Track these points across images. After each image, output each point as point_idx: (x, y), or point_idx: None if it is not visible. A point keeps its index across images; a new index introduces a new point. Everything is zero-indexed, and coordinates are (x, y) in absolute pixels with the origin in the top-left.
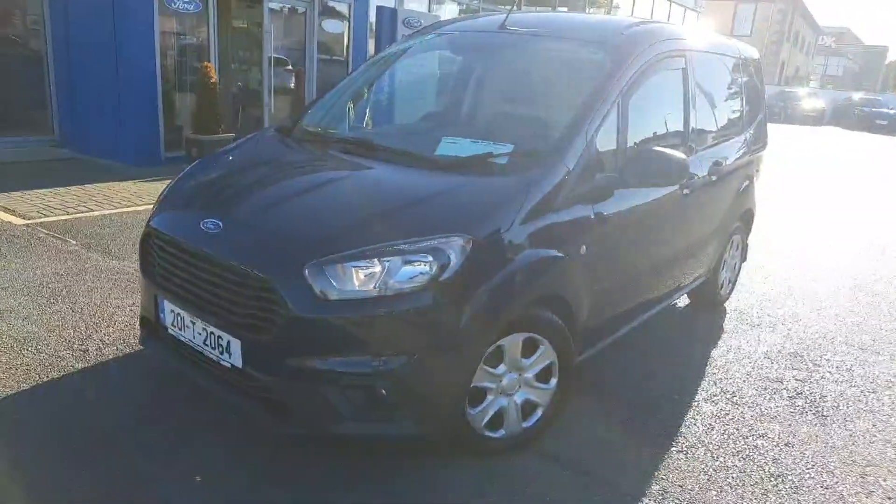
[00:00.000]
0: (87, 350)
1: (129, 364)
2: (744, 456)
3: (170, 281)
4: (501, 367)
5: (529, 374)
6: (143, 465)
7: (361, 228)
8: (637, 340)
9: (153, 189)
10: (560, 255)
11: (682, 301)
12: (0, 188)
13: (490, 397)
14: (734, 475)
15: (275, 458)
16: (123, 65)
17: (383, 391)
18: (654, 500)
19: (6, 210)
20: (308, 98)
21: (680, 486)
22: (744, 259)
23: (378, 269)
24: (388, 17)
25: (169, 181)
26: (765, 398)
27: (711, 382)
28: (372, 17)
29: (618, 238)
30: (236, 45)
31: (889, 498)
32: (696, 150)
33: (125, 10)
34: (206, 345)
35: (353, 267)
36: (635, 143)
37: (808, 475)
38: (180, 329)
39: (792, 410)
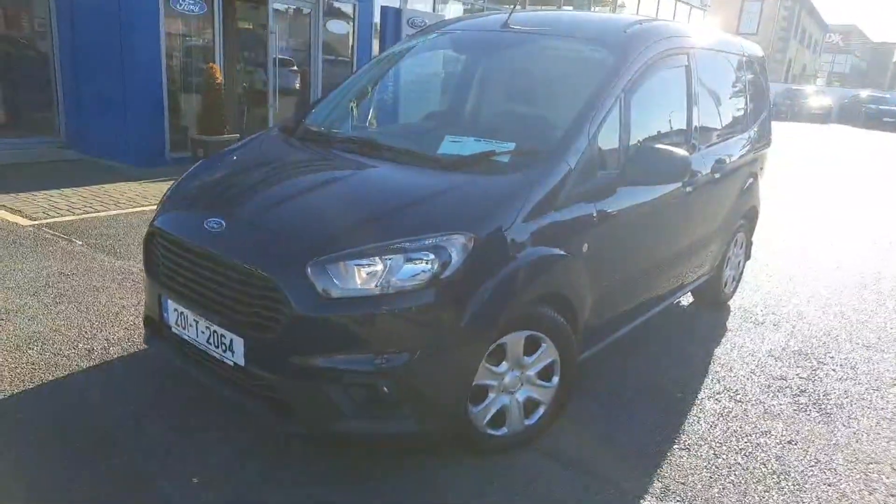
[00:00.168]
0: (93, 349)
1: (134, 363)
2: (747, 453)
3: (173, 280)
4: (503, 366)
5: (531, 372)
6: (146, 464)
7: (363, 227)
8: (640, 338)
9: (158, 190)
10: (562, 253)
11: (686, 299)
12: (7, 189)
13: (492, 395)
14: (737, 472)
15: (278, 457)
16: (129, 66)
17: (385, 389)
18: (656, 498)
19: (13, 211)
20: (313, 98)
21: (682, 483)
22: (748, 257)
23: (380, 267)
24: (392, 17)
25: (173, 181)
26: (768, 396)
27: (715, 380)
28: (376, 18)
29: (620, 236)
30: (241, 47)
31: (892, 495)
32: (699, 148)
33: (131, 12)
34: (210, 343)
35: (355, 265)
36: (638, 141)
37: (811, 473)
38: (184, 328)
39: (796, 408)
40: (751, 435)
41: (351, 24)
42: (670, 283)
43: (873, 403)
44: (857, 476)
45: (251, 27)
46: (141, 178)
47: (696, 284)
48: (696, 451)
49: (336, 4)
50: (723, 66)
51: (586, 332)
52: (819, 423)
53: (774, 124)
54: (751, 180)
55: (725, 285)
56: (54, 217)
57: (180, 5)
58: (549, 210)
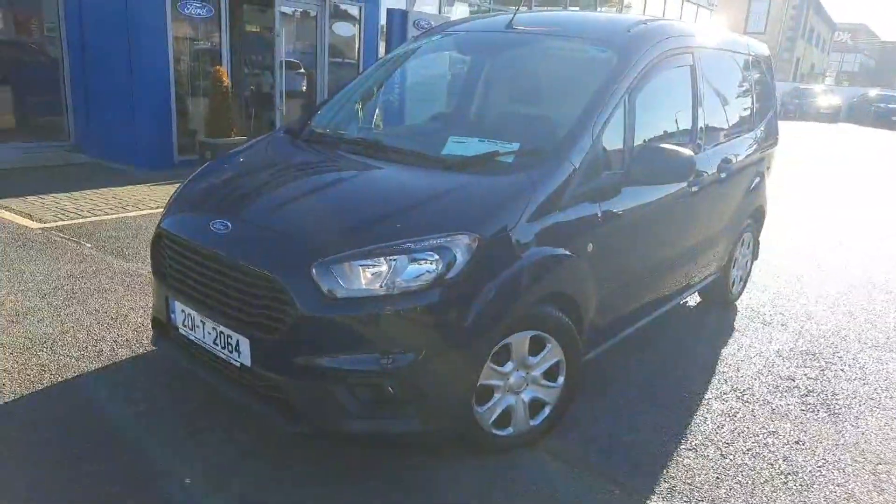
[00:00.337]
0: (101, 351)
1: (142, 364)
2: (754, 454)
3: (180, 282)
4: (509, 365)
5: (537, 373)
6: (153, 464)
7: (368, 227)
8: (647, 338)
9: (166, 192)
10: (567, 253)
11: (694, 299)
12: (17, 192)
13: (497, 395)
14: (744, 473)
15: (282, 457)
16: (137, 70)
17: (391, 389)
18: (663, 499)
19: (23, 214)
20: (319, 100)
21: (689, 483)
22: (755, 257)
23: (385, 267)
24: (398, 19)
25: (180, 184)
26: (776, 396)
27: (722, 380)
28: (382, 20)
29: (625, 236)
30: (248, 49)
31: None
32: (705, 148)
33: (139, 16)
34: (216, 344)
35: (360, 266)
36: (642, 141)
37: (819, 473)
38: (191, 329)
39: (803, 408)
40: (758, 435)
41: (357, 26)
42: (676, 283)
43: (882, 403)
44: (866, 476)
45: (258, 30)
46: (149, 181)
47: (703, 284)
48: (702, 452)
49: (342, 7)
50: (728, 66)
51: (592, 331)
52: (827, 423)
53: (782, 124)
54: (757, 180)
55: (733, 285)
56: (63, 220)
57: (187, 9)
58: (553, 210)
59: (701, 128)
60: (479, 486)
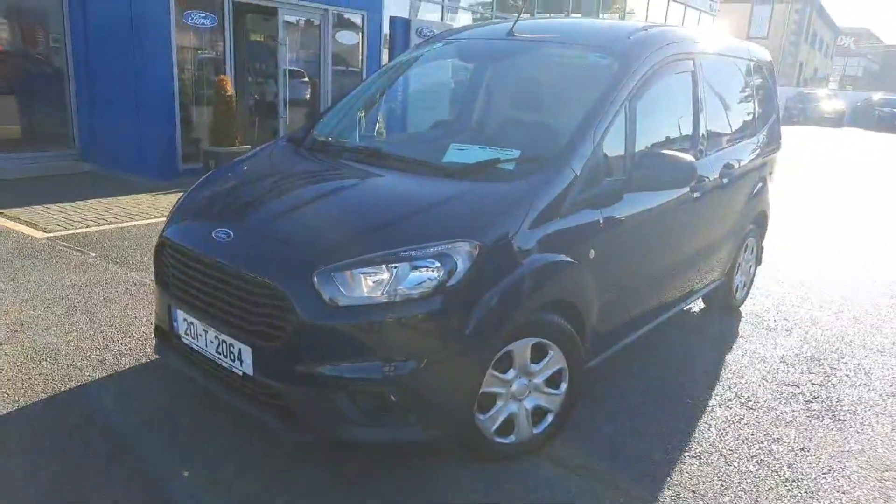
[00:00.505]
0: (105, 360)
1: (146, 373)
2: (758, 461)
3: (182, 290)
4: (511, 373)
5: (539, 380)
6: (156, 472)
7: (369, 235)
8: (650, 345)
9: (170, 201)
10: (568, 259)
11: (697, 305)
12: (23, 202)
13: (500, 403)
14: (748, 480)
15: (285, 464)
16: (142, 80)
17: (392, 397)
18: None
19: (28, 224)
20: (323, 109)
21: (693, 491)
22: (759, 262)
23: (386, 275)
24: (401, 27)
25: (182, 192)
26: (780, 402)
27: (726, 387)
28: (385, 28)
29: (627, 242)
30: (252, 58)
31: None
32: (706, 153)
33: (143, 26)
34: (219, 353)
35: (362, 273)
36: (643, 147)
37: (824, 480)
38: (193, 338)
39: (808, 415)
40: (762, 442)
41: (360, 34)
42: (679, 290)
43: (888, 409)
44: (872, 483)
45: (262, 39)
46: (154, 190)
47: (707, 290)
48: (706, 459)
49: (346, 15)
50: (730, 71)
51: (594, 338)
52: (832, 429)
53: (786, 128)
54: (760, 185)
55: (736, 291)
56: (68, 229)
57: (192, 19)
58: (554, 217)
59: (702, 133)
60: (482, 495)
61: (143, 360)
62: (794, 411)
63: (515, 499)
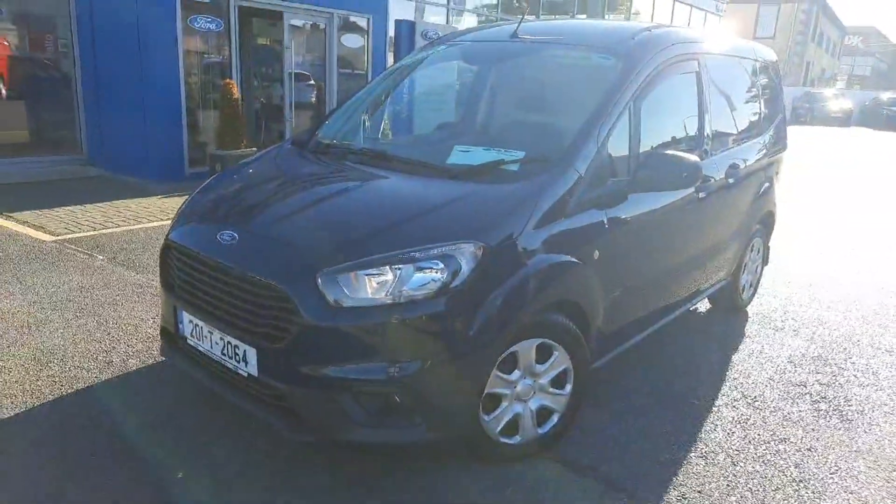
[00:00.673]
0: (112, 362)
1: (152, 375)
2: (765, 461)
3: (188, 292)
4: (516, 373)
5: (544, 380)
6: (161, 473)
7: (373, 237)
8: (656, 345)
9: (177, 204)
10: (573, 260)
11: (703, 305)
12: (31, 206)
13: (505, 403)
14: (755, 481)
15: (290, 465)
16: (148, 84)
17: (396, 398)
18: None
19: (36, 227)
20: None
21: (699, 491)
22: (766, 262)
23: (390, 276)
24: (406, 30)
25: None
26: (787, 402)
27: (732, 387)
28: (391, 31)
29: (632, 243)
30: (258, 62)
31: None
32: (712, 153)
33: (150, 31)
34: (224, 354)
35: (366, 275)
36: (648, 148)
37: (831, 480)
38: (199, 339)
39: (815, 415)
40: (769, 442)
41: (365, 37)
42: (685, 290)
43: (895, 409)
44: (880, 483)
45: (267, 43)
46: (161, 194)
47: (713, 290)
48: (713, 459)
49: (351, 19)
50: (735, 71)
51: (599, 339)
52: (840, 429)
53: (793, 128)
54: (766, 185)
55: (743, 291)
56: (76, 232)
57: (198, 23)
58: (559, 217)
59: (707, 134)
60: (487, 496)
61: (150, 362)
62: (801, 411)
63: (519, 500)
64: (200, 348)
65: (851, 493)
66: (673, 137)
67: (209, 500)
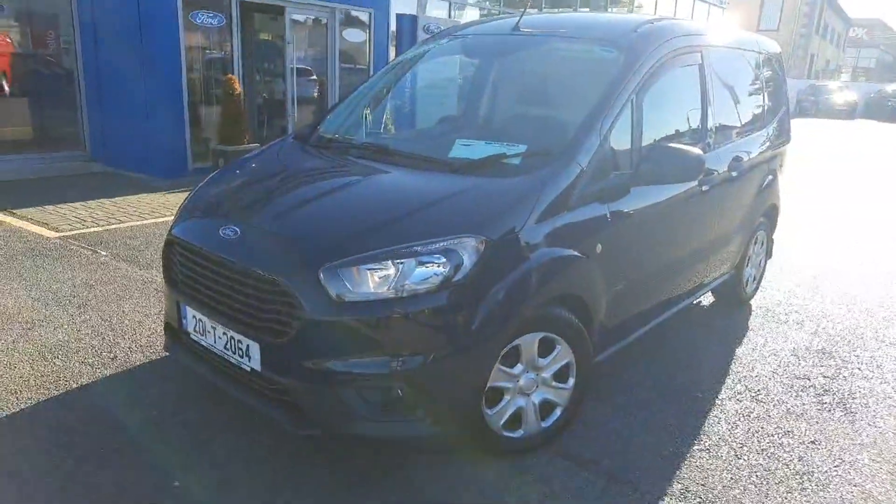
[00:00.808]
0: (116, 357)
1: (156, 370)
2: (769, 454)
3: (191, 287)
4: (518, 367)
5: (547, 374)
6: (165, 468)
7: (375, 231)
8: (659, 338)
9: (180, 200)
10: (575, 253)
11: (707, 299)
12: (35, 202)
13: (507, 397)
14: (758, 473)
15: (296, 457)
16: (150, 80)
17: (399, 392)
18: (676, 499)
19: (40, 223)
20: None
21: (702, 484)
22: (769, 255)
23: (392, 271)
24: (408, 24)
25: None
26: (791, 396)
27: (736, 380)
28: (392, 25)
29: (634, 236)
30: (260, 57)
31: None
32: (715, 146)
33: (151, 27)
34: (227, 349)
35: (368, 269)
36: (651, 141)
37: (835, 473)
38: (202, 334)
39: (819, 408)
40: (773, 435)
41: (367, 32)
42: (689, 283)
43: None
44: (884, 476)
45: (269, 38)
46: (164, 189)
47: (716, 284)
48: (716, 452)
49: (353, 13)
50: (738, 64)
51: (602, 333)
52: (843, 422)
53: (797, 121)
54: (770, 177)
55: (746, 284)
56: (80, 229)
57: (199, 19)
58: (561, 211)
59: (710, 127)
60: (490, 489)
61: (154, 357)
62: (804, 404)
63: (526, 495)
64: (204, 343)
65: (855, 486)
66: (676, 130)
67: (211, 497)
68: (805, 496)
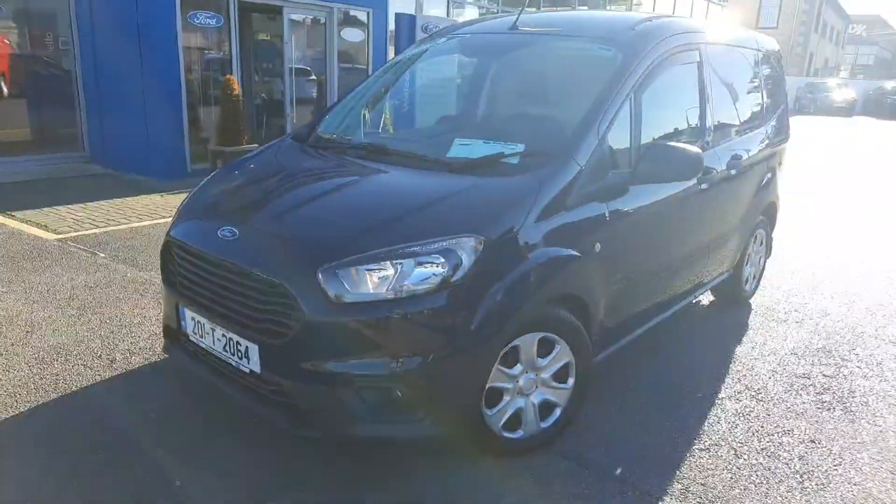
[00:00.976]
0: (115, 359)
1: (155, 372)
2: (769, 453)
3: (189, 289)
4: (517, 368)
5: (546, 374)
6: (165, 470)
7: (373, 232)
8: (658, 338)
9: (179, 201)
10: (574, 253)
11: (706, 298)
12: (33, 204)
13: (507, 398)
14: (759, 473)
15: (296, 457)
16: (149, 81)
17: (398, 393)
18: (676, 499)
19: (38, 225)
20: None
21: (702, 484)
22: (769, 254)
23: (391, 271)
24: (406, 23)
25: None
26: (791, 394)
27: (736, 379)
28: (391, 25)
29: (633, 235)
30: (258, 57)
31: None
32: (713, 144)
33: (150, 28)
34: (226, 351)
35: (366, 270)
36: (649, 139)
37: (835, 472)
38: (201, 336)
39: (819, 406)
40: (773, 434)
41: (366, 31)
42: (688, 282)
43: None
44: (884, 475)
45: (268, 38)
46: (163, 190)
47: (716, 283)
48: (716, 452)
49: (351, 12)
50: (737, 62)
51: (602, 332)
52: (843, 421)
53: (796, 119)
54: (769, 175)
55: (746, 283)
56: (78, 230)
57: (197, 19)
58: (560, 210)
59: (709, 125)
60: (490, 490)
61: (153, 360)
62: (804, 403)
63: (526, 495)
64: (203, 345)
65: (856, 485)
66: (674, 129)
67: (210, 499)
68: (805, 495)
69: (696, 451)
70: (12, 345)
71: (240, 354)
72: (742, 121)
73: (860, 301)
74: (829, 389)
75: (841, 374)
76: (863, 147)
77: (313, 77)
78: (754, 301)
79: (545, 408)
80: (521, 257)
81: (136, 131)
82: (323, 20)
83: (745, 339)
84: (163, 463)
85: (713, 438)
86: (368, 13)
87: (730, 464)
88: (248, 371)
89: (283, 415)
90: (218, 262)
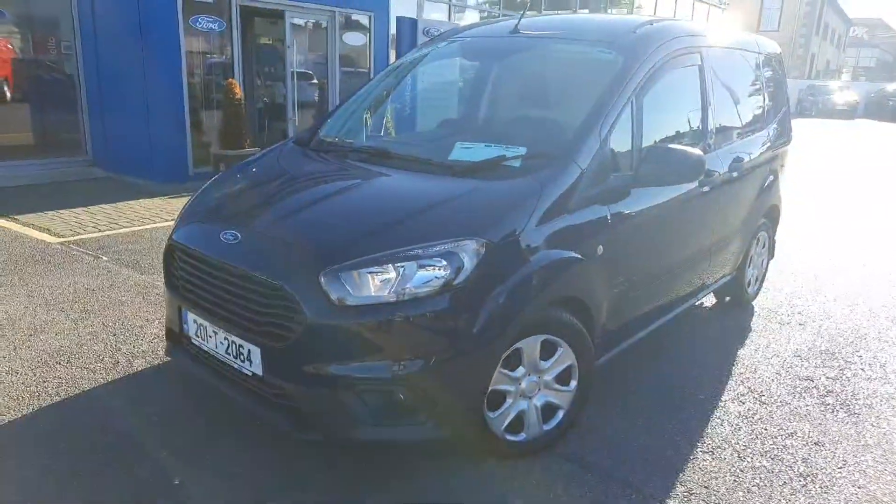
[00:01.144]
0: (118, 362)
1: (158, 375)
2: (772, 456)
3: (192, 292)
4: (520, 370)
5: (549, 377)
6: (168, 473)
7: (375, 235)
8: (661, 340)
9: (181, 205)
10: (576, 256)
11: (709, 300)
12: (36, 208)
13: (509, 400)
14: (762, 475)
15: (298, 458)
16: (151, 85)
17: (401, 396)
18: (679, 502)
19: (41, 229)
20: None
21: (705, 487)
22: (771, 256)
23: (393, 274)
24: (408, 27)
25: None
26: (794, 397)
27: (738, 382)
28: (392, 29)
29: (635, 238)
30: (260, 61)
31: None
32: (715, 147)
33: (152, 32)
34: (228, 354)
35: (368, 273)
36: (651, 142)
37: (839, 475)
38: (203, 339)
39: (822, 409)
40: (776, 437)
41: (367, 35)
42: (690, 285)
43: None
44: (888, 477)
45: (269, 42)
46: (165, 194)
47: (718, 285)
48: (719, 455)
49: (353, 17)
50: (738, 64)
51: (604, 335)
52: (847, 423)
53: (798, 121)
54: (771, 178)
55: (749, 285)
56: (81, 234)
57: (199, 24)
58: (562, 213)
59: (711, 128)
60: (493, 492)
61: (155, 363)
62: (808, 405)
63: (529, 498)
64: (205, 348)
65: (860, 488)
66: (676, 132)
67: (212, 499)
68: (809, 498)
69: (699, 453)
70: (15, 348)
71: (242, 357)
72: (744, 123)
73: (863, 303)
74: (832, 392)
75: (844, 377)
76: (865, 150)
77: (315, 81)
78: (757, 303)
79: (548, 410)
80: (523, 260)
81: (138, 135)
82: (325, 24)
83: (747, 341)
84: (165, 464)
85: (716, 441)
86: (370, 17)
87: (733, 466)
88: (250, 374)
89: (286, 418)
90: (220, 265)
